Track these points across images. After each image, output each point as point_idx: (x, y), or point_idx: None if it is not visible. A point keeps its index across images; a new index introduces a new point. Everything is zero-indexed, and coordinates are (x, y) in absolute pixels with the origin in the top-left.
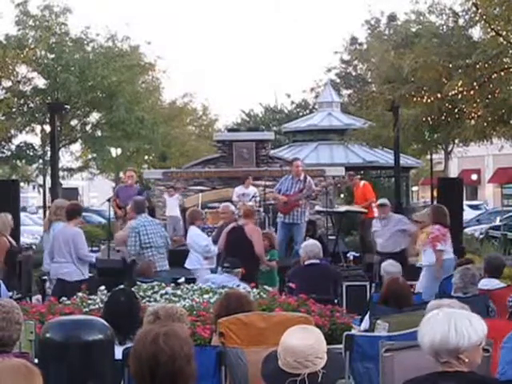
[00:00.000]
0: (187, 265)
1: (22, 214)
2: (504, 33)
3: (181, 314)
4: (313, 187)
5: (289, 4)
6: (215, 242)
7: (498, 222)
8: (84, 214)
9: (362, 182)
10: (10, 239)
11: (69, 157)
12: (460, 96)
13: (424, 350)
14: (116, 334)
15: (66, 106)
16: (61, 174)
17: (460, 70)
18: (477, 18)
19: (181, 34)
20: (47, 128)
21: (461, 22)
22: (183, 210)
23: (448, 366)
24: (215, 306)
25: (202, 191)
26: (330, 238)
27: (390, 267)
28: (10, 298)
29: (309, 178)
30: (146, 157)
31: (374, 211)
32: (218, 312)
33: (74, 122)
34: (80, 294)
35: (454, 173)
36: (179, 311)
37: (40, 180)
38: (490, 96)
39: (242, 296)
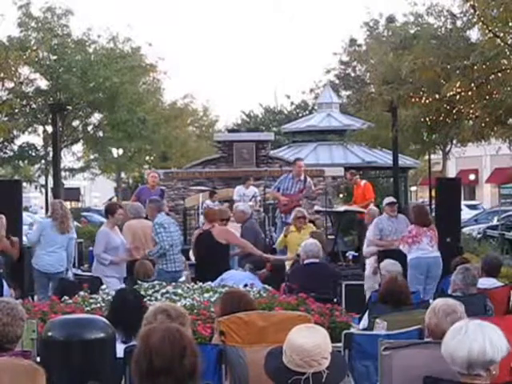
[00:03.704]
0: None
1: (25, 214)
2: (501, 34)
3: (185, 312)
4: (313, 188)
5: (288, 5)
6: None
7: (495, 222)
8: (85, 213)
9: (363, 182)
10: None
11: (71, 157)
12: (458, 97)
13: (455, 362)
14: (120, 332)
15: (68, 107)
16: (63, 174)
17: (458, 72)
18: (475, 20)
19: (181, 35)
20: (49, 129)
21: (459, 23)
22: (184, 210)
23: (475, 379)
24: (215, 306)
25: (202, 191)
26: (329, 237)
27: (391, 266)
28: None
29: (308, 178)
30: (147, 157)
31: None
32: (218, 311)
33: (75, 123)
34: (82, 292)
35: (451, 173)
36: (184, 311)
37: (42, 180)
38: (487, 97)
39: (241, 295)
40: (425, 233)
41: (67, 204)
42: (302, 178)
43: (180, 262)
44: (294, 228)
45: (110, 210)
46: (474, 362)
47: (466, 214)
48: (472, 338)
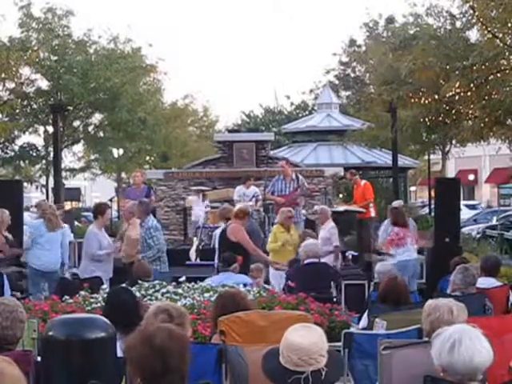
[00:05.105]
0: None
1: (25, 214)
2: (500, 35)
3: (185, 312)
4: (306, 185)
5: (288, 5)
6: None
7: (494, 222)
8: (86, 213)
9: (363, 182)
10: (7, 234)
11: (71, 157)
12: (457, 97)
13: (457, 372)
14: (119, 330)
15: (69, 107)
16: (63, 174)
17: (457, 72)
18: (474, 21)
19: (181, 35)
20: (50, 129)
21: (458, 24)
22: (184, 210)
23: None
24: (212, 307)
25: (202, 191)
26: None
27: (382, 267)
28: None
29: (300, 176)
30: (148, 157)
31: (371, 211)
32: (215, 313)
33: (76, 123)
34: (82, 292)
35: (451, 173)
36: (184, 310)
37: (43, 180)
38: (486, 97)
39: (236, 294)
40: (407, 234)
41: (68, 204)
42: (294, 176)
43: (166, 264)
44: (282, 228)
45: (99, 211)
46: (475, 371)
47: (465, 213)
48: (469, 348)
